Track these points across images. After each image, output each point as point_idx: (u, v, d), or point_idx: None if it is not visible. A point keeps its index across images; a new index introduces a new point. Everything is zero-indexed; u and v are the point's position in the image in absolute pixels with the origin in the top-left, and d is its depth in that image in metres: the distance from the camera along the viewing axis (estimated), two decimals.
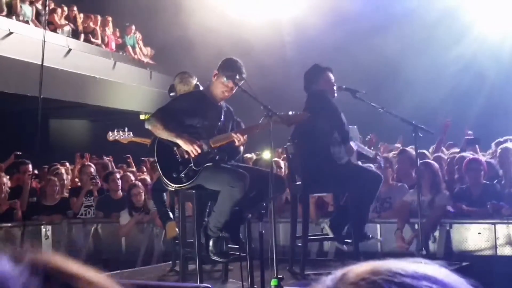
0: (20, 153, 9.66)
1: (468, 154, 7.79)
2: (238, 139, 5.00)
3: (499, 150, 7.91)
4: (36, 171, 9.31)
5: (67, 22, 15.41)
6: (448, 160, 8.13)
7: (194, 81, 6.17)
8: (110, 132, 6.46)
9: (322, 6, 15.48)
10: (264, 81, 12.91)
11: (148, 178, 9.07)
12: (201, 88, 5.83)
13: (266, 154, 8.26)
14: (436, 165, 7.11)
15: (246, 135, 5.07)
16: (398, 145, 10.18)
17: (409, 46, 15.80)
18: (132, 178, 9.11)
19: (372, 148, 8.99)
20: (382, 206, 7.34)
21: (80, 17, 16.29)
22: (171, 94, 6.27)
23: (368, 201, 5.93)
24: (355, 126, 6.03)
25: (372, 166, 6.61)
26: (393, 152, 8.93)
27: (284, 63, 15.66)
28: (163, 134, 5.01)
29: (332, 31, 15.34)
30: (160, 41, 17.12)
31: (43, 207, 8.72)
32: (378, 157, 6.44)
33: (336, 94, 5.96)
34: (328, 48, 14.01)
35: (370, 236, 6.05)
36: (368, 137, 9.14)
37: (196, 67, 6.64)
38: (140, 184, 8.47)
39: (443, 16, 15.83)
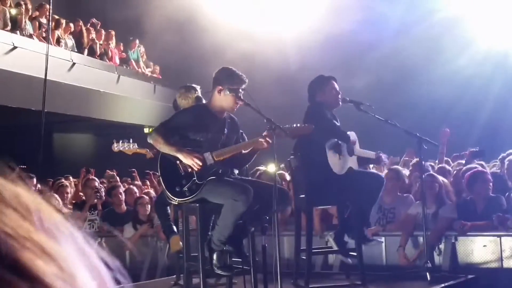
0: (25, 167, 9.63)
1: (477, 165, 7.73)
2: (270, 139, 4.93)
3: (506, 162, 7.86)
4: (39, 186, 9.28)
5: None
6: (455, 172, 8.07)
7: (195, 94, 6.16)
8: (115, 143, 6.44)
9: (329, 17, 15.49)
10: (272, 97, 12.92)
11: (152, 192, 9.06)
12: (204, 101, 5.82)
13: (271, 168, 8.25)
14: (440, 178, 7.06)
15: (274, 138, 4.94)
16: (406, 158, 10.05)
17: (413, 58, 15.79)
18: (136, 191, 9.10)
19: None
20: (386, 216, 7.29)
21: (84, 31, 16.32)
22: (174, 108, 6.28)
23: (370, 204, 5.99)
24: (353, 132, 6.01)
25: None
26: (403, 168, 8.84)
27: (290, 78, 15.60)
28: (164, 149, 5.00)
29: (336, 45, 15.37)
30: (164, 55, 17.14)
31: None
32: (381, 155, 6.37)
33: (340, 103, 5.97)
34: (334, 61, 14.02)
35: (372, 238, 6.04)
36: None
37: (200, 81, 6.63)
38: (145, 196, 8.49)
39: (447, 28, 15.84)
